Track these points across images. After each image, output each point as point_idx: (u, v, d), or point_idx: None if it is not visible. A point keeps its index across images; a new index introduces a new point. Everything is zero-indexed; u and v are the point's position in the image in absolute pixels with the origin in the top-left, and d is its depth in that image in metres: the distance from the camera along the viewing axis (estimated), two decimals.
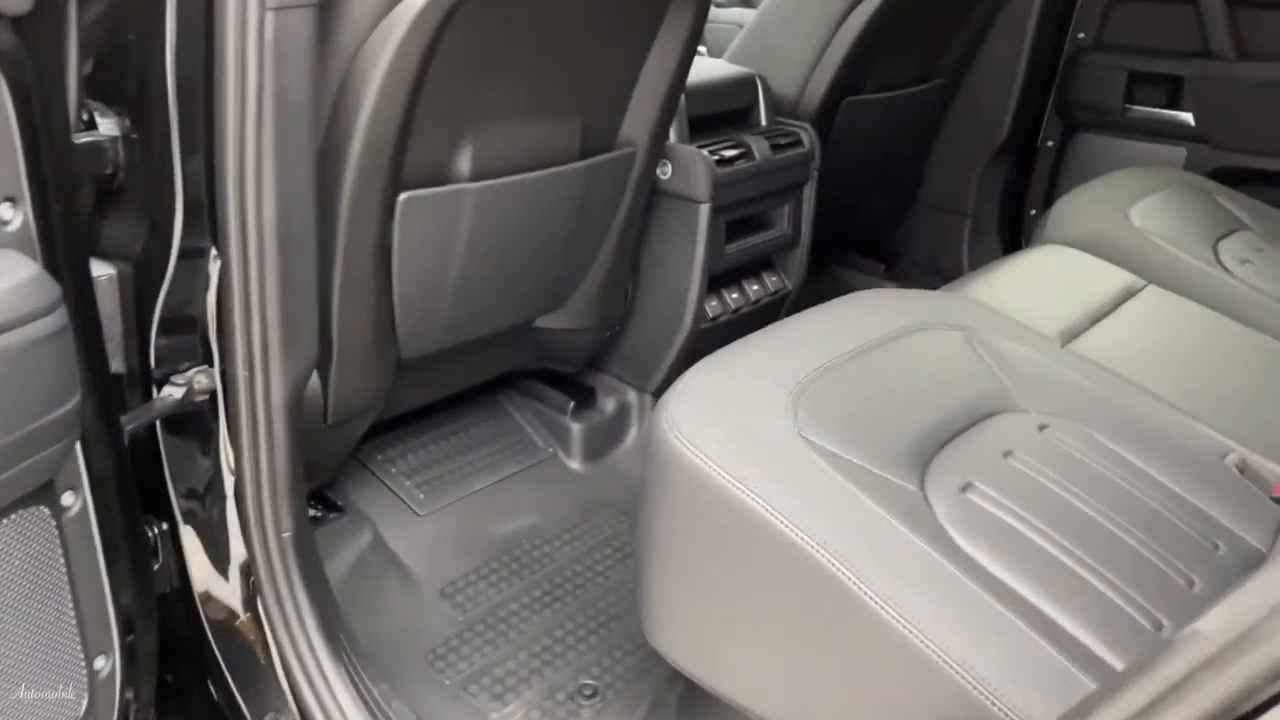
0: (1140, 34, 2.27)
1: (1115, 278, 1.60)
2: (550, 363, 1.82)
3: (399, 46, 1.13)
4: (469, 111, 1.30)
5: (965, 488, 1.02)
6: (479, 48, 1.23)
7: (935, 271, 2.58)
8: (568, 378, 1.87)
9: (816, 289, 2.26)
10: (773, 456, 0.99)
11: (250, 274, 1.01)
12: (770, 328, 1.23)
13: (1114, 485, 1.08)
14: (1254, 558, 1.06)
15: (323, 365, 1.32)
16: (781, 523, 0.93)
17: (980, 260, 2.55)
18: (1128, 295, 1.56)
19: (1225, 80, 2.16)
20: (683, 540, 1.02)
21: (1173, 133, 2.25)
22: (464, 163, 1.34)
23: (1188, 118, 2.23)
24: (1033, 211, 2.51)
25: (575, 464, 1.81)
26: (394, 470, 1.67)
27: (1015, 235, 2.53)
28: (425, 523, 1.61)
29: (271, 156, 0.98)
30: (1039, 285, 1.56)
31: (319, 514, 1.52)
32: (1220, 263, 1.69)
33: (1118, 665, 0.86)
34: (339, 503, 1.56)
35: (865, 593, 0.88)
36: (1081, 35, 2.34)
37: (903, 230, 2.59)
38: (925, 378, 1.19)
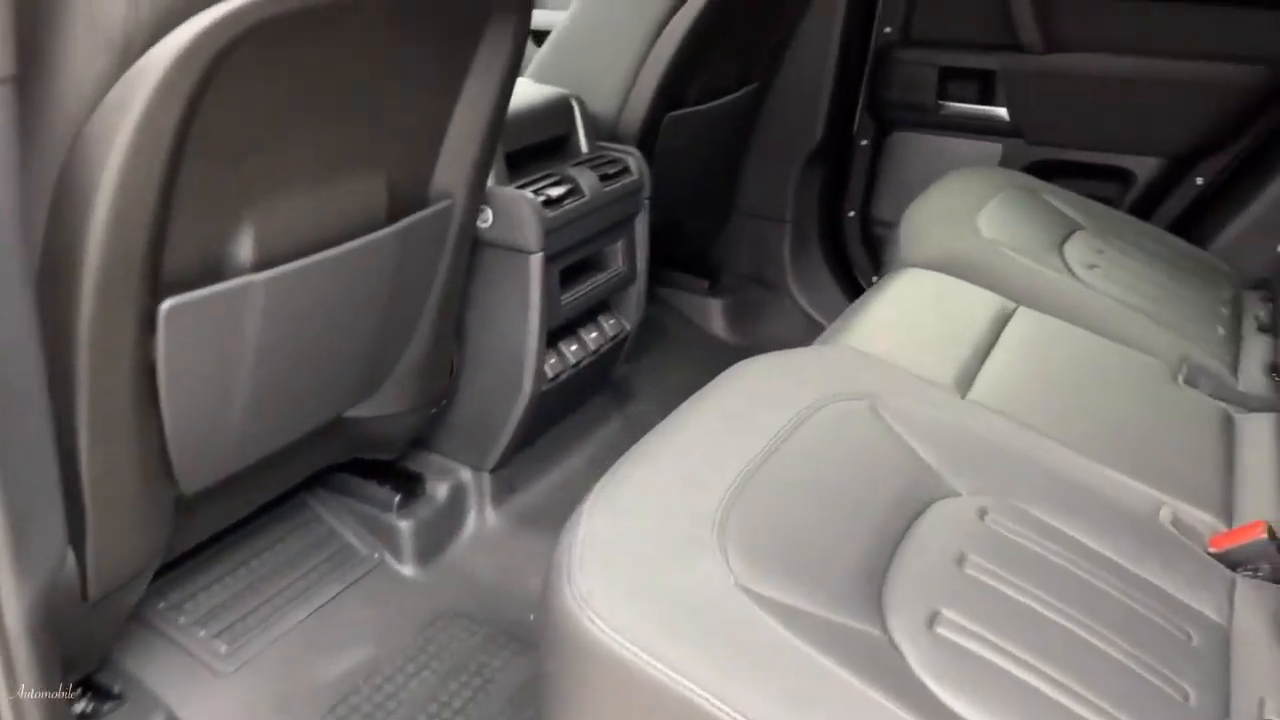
0: (948, 28, 2.21)
1: (986, 303, 1.50)
2: (365, 453, 1.52)
3: (141, 118, 0.82)
4: (246, 186, 1.00)
5: (932, 620, 0.86)
6: (252, 106, 0.93)
7: (759, 283, 2.46)
8: (387, 465, 1.58)
9: (645, 318, 2.07)
10: (714, 627, 0.78)
11: None
12: (662, 431, 1.01)
13: (1074, 578, 0.96)
14: (1220, 637, 0.96)
15: (75, 533, 0.99)
16: None
17: (802, 267, 2.45)
18: (1003, 321, 1.46)
19: (1036, 73, 2.13)
20: None
21: (987, 128, 2.21)
22: (244, 250, 1.04)
23: (1002, 112, 2.19)
24: (851, 213, 2.43)
25: (408, 569, 1.53)
26: (182, 620, 1.33)
27: (836, 239, 2.44)
28: (231, 683, 1.29)
29: None
30: (917, 322, 1.42)
31: (88, 711, 1.17)
32: (1071, 270, 1.63)
33: None
34: (115, 687, 1.21)
35: None
36: (888, 30, 2.25)
37: (723, 243, 2.44)
38: (849, 471, 1.01)
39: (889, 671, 0.79)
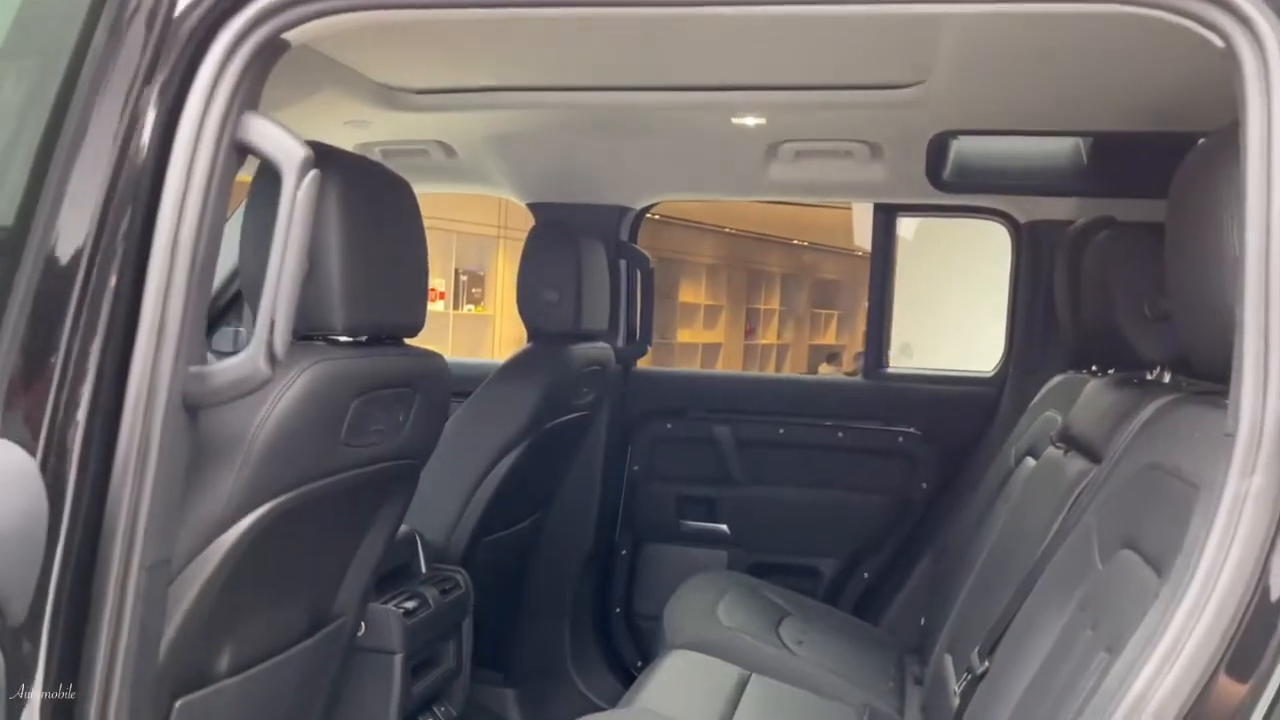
0: (681, 467, 2.98)
1: (729, 674, 2.08)
2: None
3: (212, 571, 1.28)
4: (240, 615, 1.43)
5: None
6: (264, 564, 1.41)
7: (545, 674, 2.91)
8: None
9: None
10: None
11: None
12: None
13: None
14: None
15: None
16: None
17: (580, 659, 2.95)
18: (742, 686, 2.04)
19: (744, 499, 2.92)
20: None
21: (715, 540, 2.93)
22: (224, 660, 1.44)
23: (724, 528, 2.93)
24: (617, 610, 3.01)
25: None
26: None
27: (606, 634, 2.98)
28: None
29: (128, 706, 1.07)
30: (688, 690, 1.98)
31: None
32: (785, 644, 2.27)
33: None
34: None
35: None
36: (636, 468, 3.00)
37: (514, 641, 2.92)
38: None
39: None
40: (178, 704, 1.35)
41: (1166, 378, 1.64)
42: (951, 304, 6.04)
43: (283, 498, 1.35)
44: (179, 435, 1.13)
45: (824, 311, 16.16)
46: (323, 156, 1.38)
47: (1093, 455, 1.68)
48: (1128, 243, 1.73)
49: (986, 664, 1.65)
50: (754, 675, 2.10)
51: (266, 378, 1.14)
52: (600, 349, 2.68)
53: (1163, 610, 0.94)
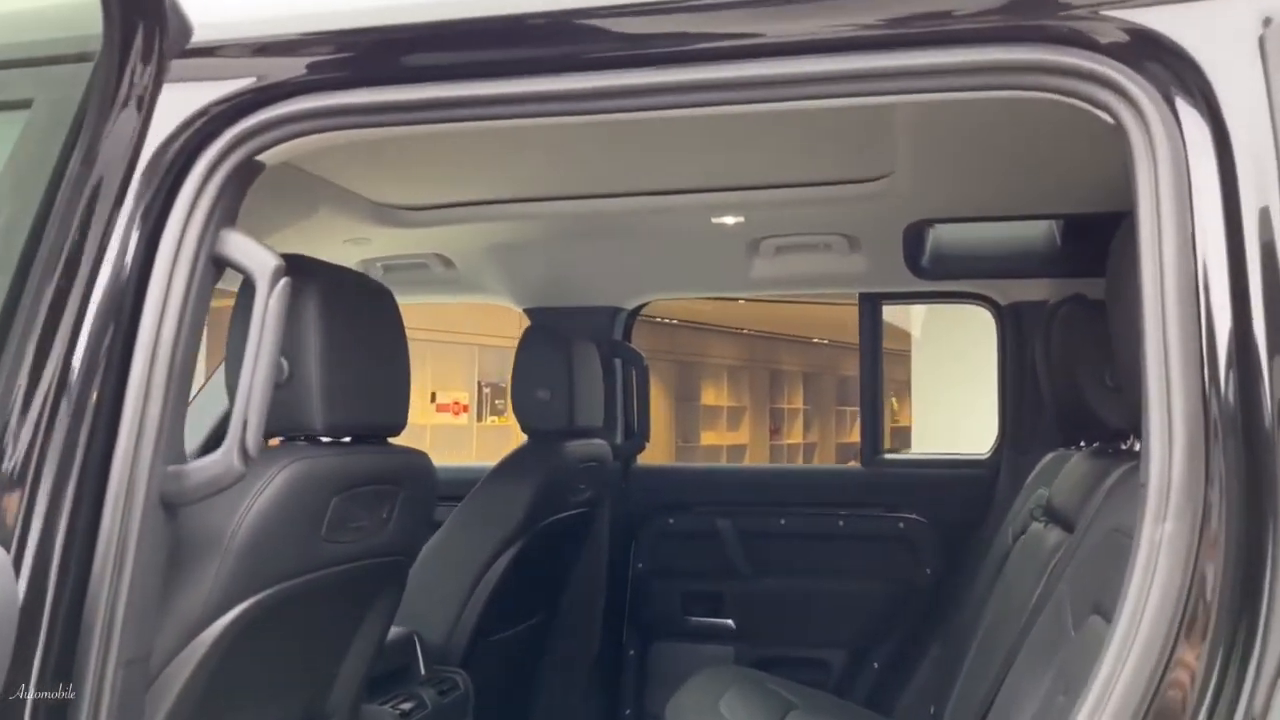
0: (685, 562, 2.99)
1: None
2: None
3: (194, 669, 1.32)
4: (224, 712, 1.46)
5: None
6: (247, 661, 1.44)
7: None
8: None
9: None
10: None
11: None
12: None
13: None
14: None
15: None
16: None
17: None
18: None
19: (749, 592, 2.92)
20: None
21: (722, 635, 2.92)
22: None
23: (729, 623, 2.92)
24: (628, 712, 2.98)
25: None
26: None
27: None
28: None
29: None
30: None
31: None
32: None
33: None
34: None
35: None
36: (641, 565, 3.01)
37: None
38: None
39: None
40: None
41: (1137, 446, 1.67)
42: (965, 394, 6.06)
43: (264, 594, 1.39)
44: (157, 532, 1.18)
45: (849, 408, 16.12)
46: (304, 267, 1.48)
47: (1068, 526, 1.70)
48: (1087, 317, 1.78)
49: None
50: None
51: (240, 474, 1.20)
52: (596, 445, 2.74)
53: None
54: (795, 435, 16.80)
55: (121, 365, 1.17)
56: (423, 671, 2.21)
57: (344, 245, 2.65)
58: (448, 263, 2.81)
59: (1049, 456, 2.42)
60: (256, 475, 1.37)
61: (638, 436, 3.04)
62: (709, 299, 12.47)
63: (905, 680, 2.80)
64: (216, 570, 1.32)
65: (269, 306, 1.22)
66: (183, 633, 1.32)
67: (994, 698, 1.64)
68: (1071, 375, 1.81)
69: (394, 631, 2.23)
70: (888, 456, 2.97)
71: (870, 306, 2.89)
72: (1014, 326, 2.76)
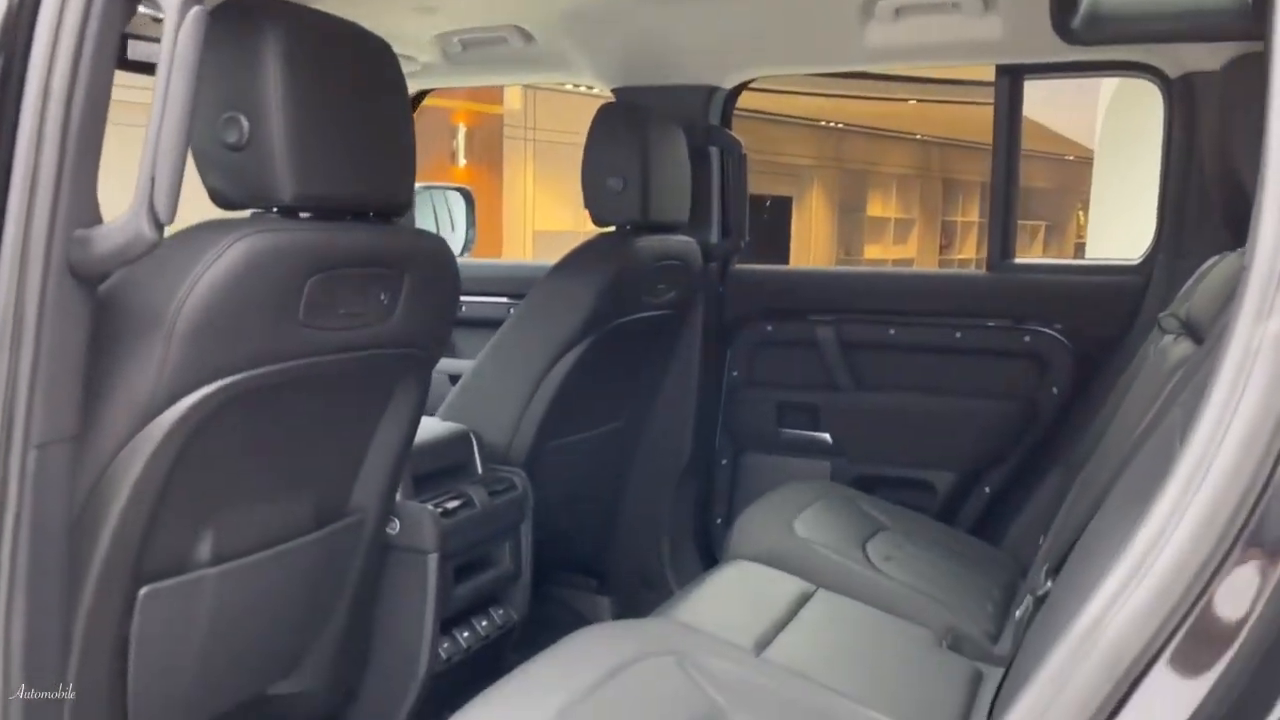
0: (781, 372, 2.77)
1: (791, 586, 1.89)
2: None
3: (149, 459, 1.22)
4: (212, 501, 1.39)
5: None
6: (226, 446, 1.35)
7: (642, 582, 2.82)
8: None
9: (539, 611, 2.40)
10: None
11: None
12: (506, 680, 1.36)
13: None
14: None
15: None
16: None
17: (680, 568, 2.83)
18: (803, 601, 1.85)
19: (849, 407, 2.68)
20: None
21: (817, 450, 2.71)
22: (204, 548, 1.41)
23: (826, 437, 2.71)
24: (719, 520, 2.86)
25: None
26: None
27: (706, 543, 2.84)
28: None
29: (23, 592, 1.02)
30: (732, 601, 1.81)
31: None
32: (869, 561, 2.05)
33: None
34: None
35: None
36: (735, 375, 2.81)
37: (610, 548, 2.83)
38: (650, 707, 1.35)
39: None
40: (142, 591, 1.32)
41: None
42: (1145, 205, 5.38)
43: (231, 379, 1.27)
44: (68, 305, 1.06)
45: (1029, 223, 15.05)
46: (264, 6, 1.27)
47: (1198, 338, 1.38)
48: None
49: (1049, 584, 1.39)
50: (820, 590, 1.91)
51: (152, 242, 1.05)
52: (679, 243, 2.49)
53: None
54: (967, 250, 15.92)
55: (12, 113, 1.02)
56: (479, 470, 2.12)
57: (413, 14, 2.43)
58: (527, 36, 2.56)
59: (1211, 261, 2.02)
60: (204, 248, 1.22)
61: (734, 235, 2.77)
62: (880, 98, 11.62)
63: (1018, 509, 2.53)
64: (163, 352, 1.20)
65: (178, 40, 1.03)
66: (134, 416, 1.21)
67: (1083, 532, 1.38)
68: (1242, 161, 1.43)
69: (449, 428, 2.14)
70: (1018, 261, 2.59)
71: (1008, 82, 2.45)
72: (1184, 103, 2.28)
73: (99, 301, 1.20)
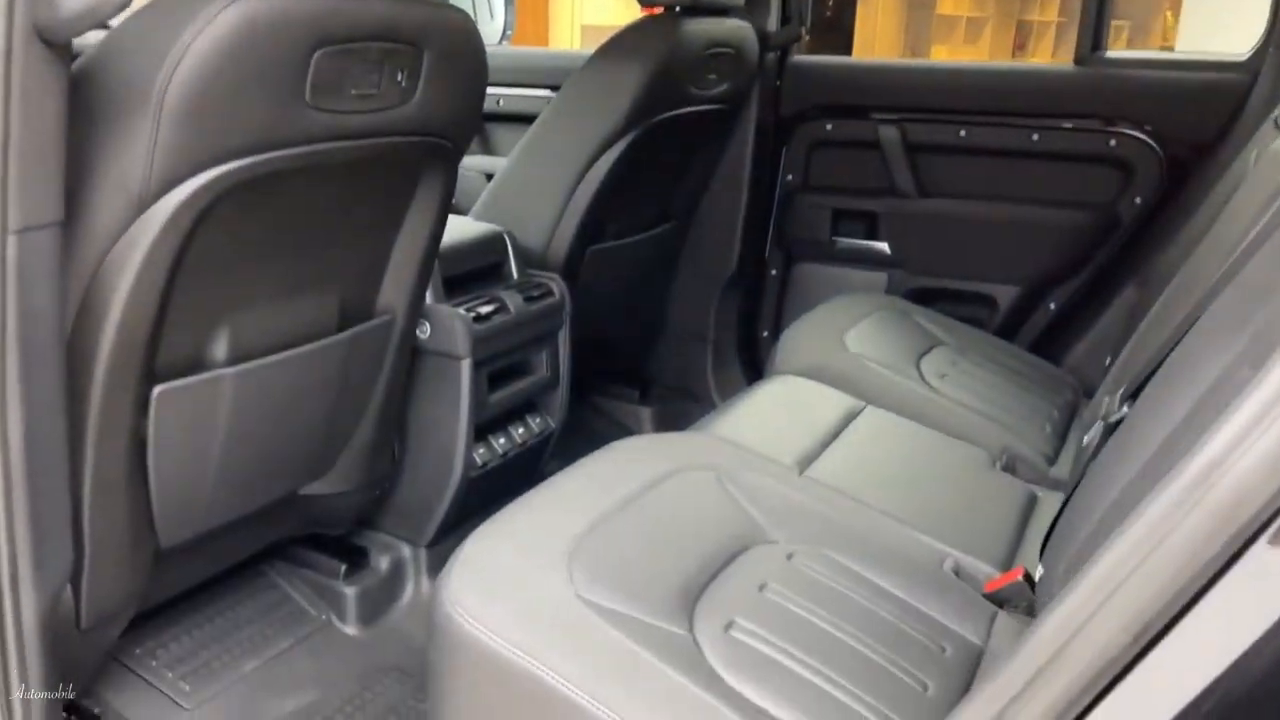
0: (839, 177, 2.58)
1: (838, 402, 1.80)
2: (318, 528, 1.79)
3: (149, 250, 1.13)
4: (225, 299, 1.31)
5: (729, 626, 1.12)
6: (234, 240, 1.25)
7: (685, 394, 2.76)
8: (337, 540, 1.85)
9: (578, 419, 2.36)
10: (555, 623, 1.05)
11: None
12: (541, 487, 1.30)
13: (853, 603, 1.22)
14: (974, 653, 1.23)
15: (74, 571, 1.25)
16: (569, 689, 0.98)
17: (723, 380, 2.76)
18: (850, 418, 1.76)
19: (910, 215, 2.50)
20: (479, 716, 1.05)
21: (873, 260, 2.56)
22: (220, 348, 1.34)
23: (884, 247, 2.55)
24: (765, 333, 2.75)
25: (351, 629, 1.77)
26: (154, 663, 1.58)
27: (752, 356, 2.76)
28: (193, 717, 1.53)
29: (17, 382, 0.96)
30: (775, 416, 1.72)
31: None
32: (923, 378, 1.94)
33: None
34: (96, 710, 1.45)
35: None
36: (790, 178, 2.63)
37: (652, 358, 2.76)
38: (685, 521, 1.29)
39: (690, 662, 1.06)
40: (156, 390, 1.26)
41: None
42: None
43: (232, 164, 1.16)
44: (37, 73, 0.94)
45: (1112, 23, 14.02)
46: None
47: None
48: None
49: (1124, 410, 1.28)
50: (869, 407, 1.82)
51: (120, 4, 0.92)
52: (734, 27, 2.26)
53: None
54: (1044, 53, 14.99)
55: None
56: (514, 274, 2.02)
57: None
58: None
59: None
60: (194, 13, 1.08)
61: (795, 22, 2.52)
62: None
63: (1084, 328, 2.39)
64: (152, 130, 1.08)
65: None
66: (127, 204, 1.11)
67: (1167, 355, 1.26)
68: None
69: (482, 228, 2.03)
70: (1109, 55, 2.33)
71: None
72: None
73: (81, 74, 1.08)
